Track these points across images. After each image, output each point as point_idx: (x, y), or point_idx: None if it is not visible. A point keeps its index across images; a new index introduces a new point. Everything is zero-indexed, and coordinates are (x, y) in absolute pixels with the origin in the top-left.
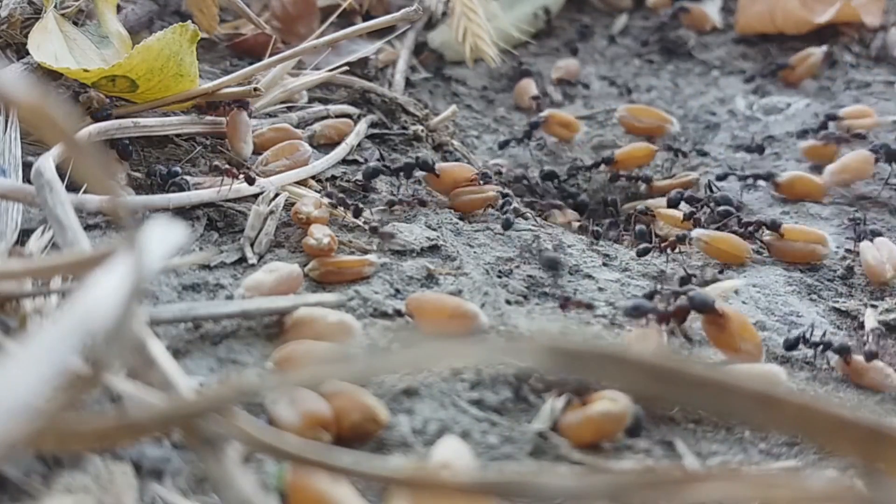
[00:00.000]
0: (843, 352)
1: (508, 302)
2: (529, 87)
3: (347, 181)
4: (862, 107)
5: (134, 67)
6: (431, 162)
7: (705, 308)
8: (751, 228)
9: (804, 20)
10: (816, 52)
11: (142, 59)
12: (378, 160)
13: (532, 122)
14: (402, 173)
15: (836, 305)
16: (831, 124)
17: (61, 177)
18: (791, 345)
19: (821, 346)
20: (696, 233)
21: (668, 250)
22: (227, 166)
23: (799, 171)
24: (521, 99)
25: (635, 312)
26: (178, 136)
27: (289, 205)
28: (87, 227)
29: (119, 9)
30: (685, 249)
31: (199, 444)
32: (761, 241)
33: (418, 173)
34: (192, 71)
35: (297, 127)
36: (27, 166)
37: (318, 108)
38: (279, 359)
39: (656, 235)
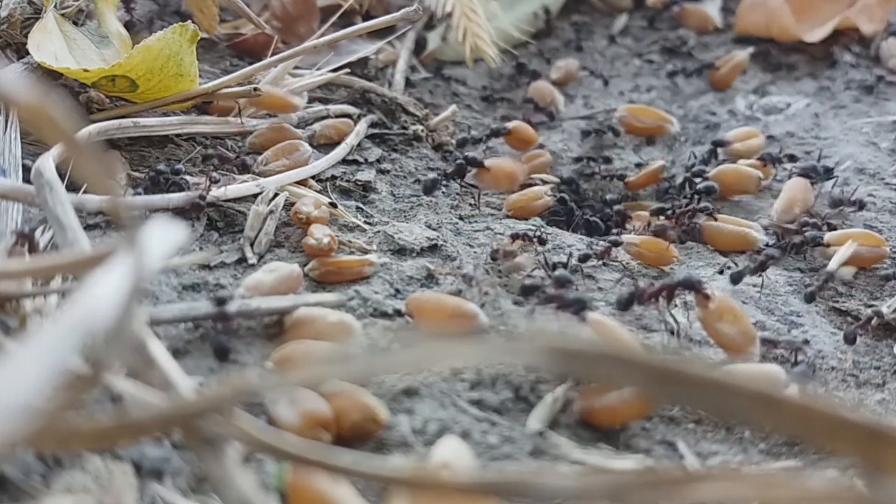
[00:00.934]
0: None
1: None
2: (546, 89)
3: (347, 181)
4: (749, 128)
5: (134, 67)
6: (479, 158)
7: (691, 286)
8: (687, 216)
9: (797, 38)
10: (742, 54)
11: (142, 59)
12: (437, 172)
13: (494, 129)
14: (455, 177)
15: (836, 305)
16: (720, 150)
17: (61, 177)
18: (624, 304)
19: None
20: (626, 238)
21: (605, 256)
22: (212, 170)
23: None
24: (540, 97)
25: (622, 305)
26: (178, 136)
27: (289, 205)
28: (87, 227)
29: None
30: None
31: (199, 444)
32: (694, 228)
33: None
34: (192, 71)
35: (297, 127)
36: (27, 169)
37: (318, 108)
38: (279, 359)
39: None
